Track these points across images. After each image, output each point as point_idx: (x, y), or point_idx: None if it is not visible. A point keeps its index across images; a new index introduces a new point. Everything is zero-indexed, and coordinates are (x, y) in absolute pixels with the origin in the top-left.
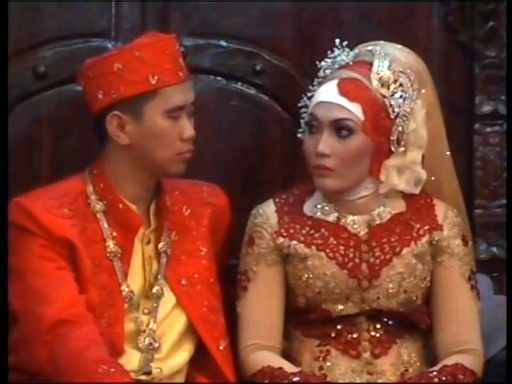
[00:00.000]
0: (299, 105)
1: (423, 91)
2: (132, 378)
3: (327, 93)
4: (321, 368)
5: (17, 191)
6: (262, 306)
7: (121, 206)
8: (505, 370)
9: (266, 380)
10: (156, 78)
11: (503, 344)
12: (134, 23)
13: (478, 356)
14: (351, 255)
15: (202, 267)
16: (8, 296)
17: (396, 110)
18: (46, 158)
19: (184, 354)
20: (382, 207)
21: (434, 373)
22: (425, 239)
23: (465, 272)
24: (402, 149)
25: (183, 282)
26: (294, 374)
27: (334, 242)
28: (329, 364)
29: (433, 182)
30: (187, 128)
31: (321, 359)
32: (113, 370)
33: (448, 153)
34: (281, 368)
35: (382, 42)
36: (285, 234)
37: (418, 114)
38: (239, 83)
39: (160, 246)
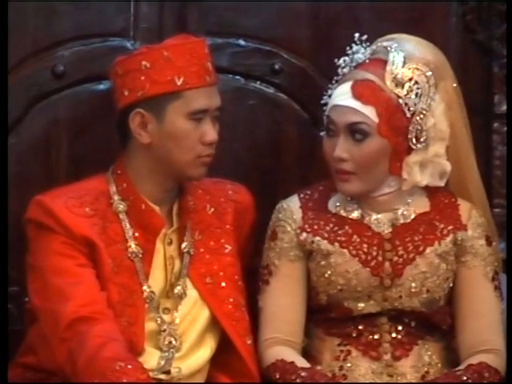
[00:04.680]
0: (322, 102)
1: (442, 84)
2: (150, 375)
3: (342, 96)
4: (341, 368)
5: (34, 190)
6: (283, 301)
7: (143, 206)
8: None
9: (277, 373)
10: (181, 79)
11: None
12: (151, 23)
13: (501, 356)
14: (374, 253)
15: (226, 264)
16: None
17: (412, 108)
18: (63, 157)
19: (205, 352)
20: (406, 206)
21: (461, 371)
22: (449, 239)
23: (488, 272)
24: (423, 145)
25: (208, 280)
26: (303, 370)
27: (358, 240)
28: (349, 365)
29: (458, 177)
30: (209, 132)
31: (341, 359)
32: (130, 366)
33: (470, 146)
34: (292, 362)
35: (399, 35)
36: (308, 230)
37: (437, 108)
38: (257, 82)
39: (183, 246)
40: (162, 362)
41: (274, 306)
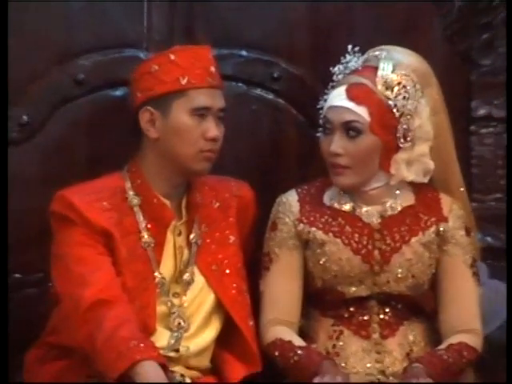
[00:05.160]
0: (318, 106)
1: (427, 90)
2: (160, 353)
3: (337, 97)
4: (334, 346)
5: (57, 186)
6: (282, 285)
7: (155, 201)
8: (498, 347)
9: (277, 350)
10: (186, 79)
11: (497, 324)
12: (163, 35)
13: (478, 335)
14: (365, 242)
15: (230, 253)
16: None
17: (400, 109)
18: (83, 156)
19: (211, 332)
20: (393, 199)
21: (442, 351)
22: (432, 230)
23: (467, 260)
24: (409, 144)
25: (213, 267)
26: (300, 348)
27: (350, 230)
28: (341, 343)
29: (440, 176)
30: (211, 129)
31: (334, 338)
32: (142, 345)
33: (452, 147)
34: (290, 341)
35: (389, 46)
36: (305, 221)
37: (423, 111)
38: (258, 89)
39: (191, 237)
40: (172, 341)
41: (274, 290)
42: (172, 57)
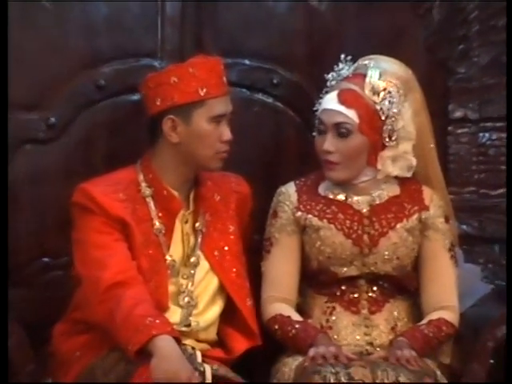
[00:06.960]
0: (314, 109)
1: (410, 95)
2: (174, 328)
3: (330, 101)
4: (327, 321)
5: (80, 180)
6: (282, 266)
7: (165, 192)
8: (472, 323)
9: (276, 325)
10: (204, 90)
11: (470, 303)
12: (175, 45)
13: (456, 311)
14: (355, 228)
15: (230, 241)
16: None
17: (386, 112)
18: (104, 154)
19: (216, 309)
20: (381, 190)
21: (423, 326)
22: (415, 217)
23: (446, 244)
24: (394, 142)
25: (215, 253)
26: (298, 323)
27: (342, 217)
28: (334, 318)
29: (422, 171)
30: (226, 132)
31: (328, 313)
32: (157, 321)
33: (432, 145)
34: (289, 316)
35: (376, 56)
36: (302, 209)
37: (406, 113)
38: (260, 94)
39: (197, 225)
40: (184, 318)
41: (274, 270)
42: (190, 69)
